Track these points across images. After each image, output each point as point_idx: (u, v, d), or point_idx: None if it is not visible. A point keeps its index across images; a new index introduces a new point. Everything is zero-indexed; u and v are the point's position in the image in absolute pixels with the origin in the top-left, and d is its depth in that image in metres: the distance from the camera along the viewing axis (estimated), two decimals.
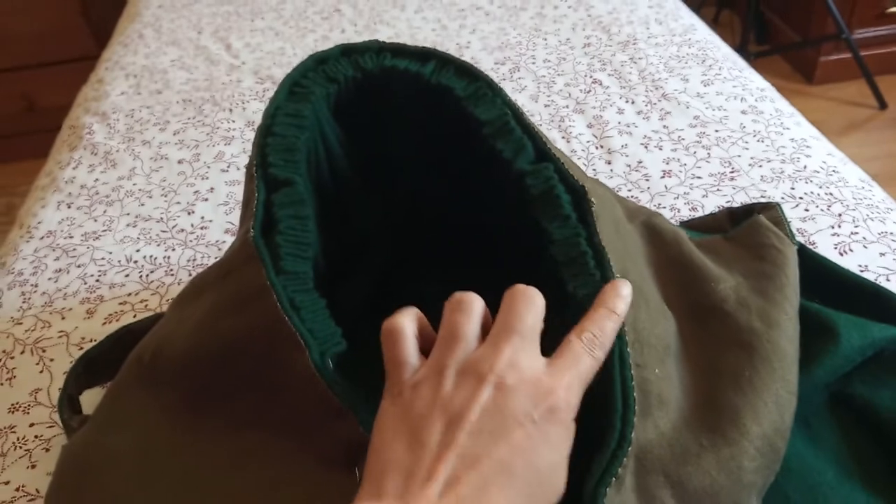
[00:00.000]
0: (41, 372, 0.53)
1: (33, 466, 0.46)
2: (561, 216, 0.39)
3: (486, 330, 0.32)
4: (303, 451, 0.36)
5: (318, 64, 0.43)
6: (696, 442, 0.35)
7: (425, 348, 0.33)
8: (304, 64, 0.43)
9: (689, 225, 0.55)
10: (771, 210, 0.50)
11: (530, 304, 0.32)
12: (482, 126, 0.41)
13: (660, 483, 0.34)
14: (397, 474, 0.27)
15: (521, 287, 0.32)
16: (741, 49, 1.57)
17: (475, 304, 0.32)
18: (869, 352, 0.43)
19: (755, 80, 0.82)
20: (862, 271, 0.54)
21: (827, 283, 0.49)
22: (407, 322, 0.32)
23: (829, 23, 1.58)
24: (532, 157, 0.40)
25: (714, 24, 1.91)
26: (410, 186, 0.49)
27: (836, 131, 1.51)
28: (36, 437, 0.48)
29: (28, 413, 0.50)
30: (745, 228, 0.49)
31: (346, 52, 0.44)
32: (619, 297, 0.34)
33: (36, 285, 0.61)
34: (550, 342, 0.44)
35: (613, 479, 0.33)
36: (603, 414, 0.35)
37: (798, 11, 1.75)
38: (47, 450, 0.47)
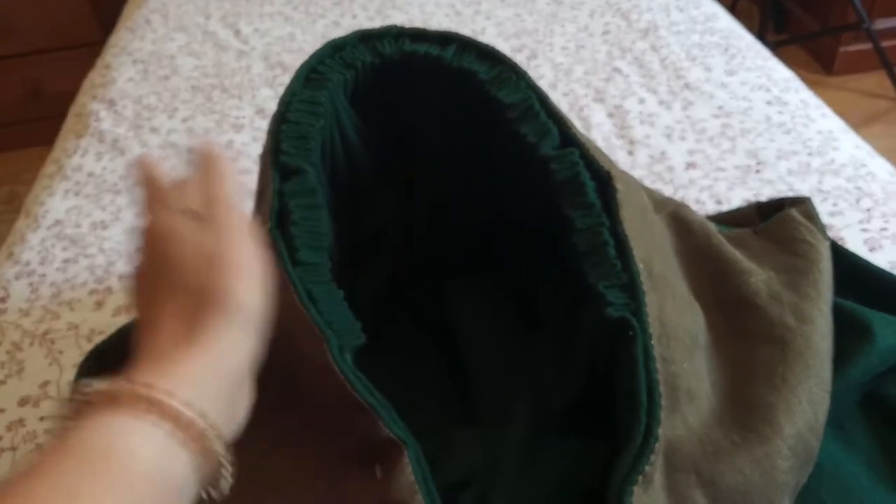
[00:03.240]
0: (51, 364, 0.52)
1: None
2: (585, 204, 0.38)
3: None
4: (321, 448, 0.35)
5: (336, 50, 0.42)
6: (728, 439, 0.34)
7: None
8: (321, 50, 0.42)
9: (716, 219, 0.54)
10: (802, 204, 0.49)
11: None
12: (506, 110, 0.40)
13: (691, 482, 0.33)
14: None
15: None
16: (760, 38, 1.53)
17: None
18: None
19: (779, 71, 0.80)
20: (893, 268, 0.52)
21: (858, 281, 0.47)
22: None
23: (849, 12, 1.54)
24: (557, 141, 0.39)
25: (732, 12, 1.87)
26: (429, 177, 0.48)
27: (854, 123, 1.47)
28: (46, 430, 0.47)
29: (38, 406, 0.49)
30: (776, 222, 0.47)
31: (364, 37, 0.42)
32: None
33: (44, 275, 0.60)
34: (571, 340, 0.42)
35: (641, 476, 0.32)
36: (629, 412, 0.34)
37: (818, 1, 1.72)
38: None
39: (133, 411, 0.23)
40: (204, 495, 0.26)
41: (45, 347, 0.54)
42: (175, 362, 0.26)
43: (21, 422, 0.48)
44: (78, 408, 0.24)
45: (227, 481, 0.26)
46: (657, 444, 0.32)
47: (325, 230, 0.37)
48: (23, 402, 0.50)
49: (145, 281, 0.30)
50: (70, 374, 0.51)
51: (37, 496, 0.20)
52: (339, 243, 0.42)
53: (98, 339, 0.53)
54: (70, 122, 0.82)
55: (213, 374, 0.26)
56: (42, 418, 0.48)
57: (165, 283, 0.28)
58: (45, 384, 0.51)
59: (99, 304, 0.57)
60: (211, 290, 0.27)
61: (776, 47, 1.61)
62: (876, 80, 1.63)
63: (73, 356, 0.52)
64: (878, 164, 0.64)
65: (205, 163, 0.32)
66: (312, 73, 0.41)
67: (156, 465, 0.23)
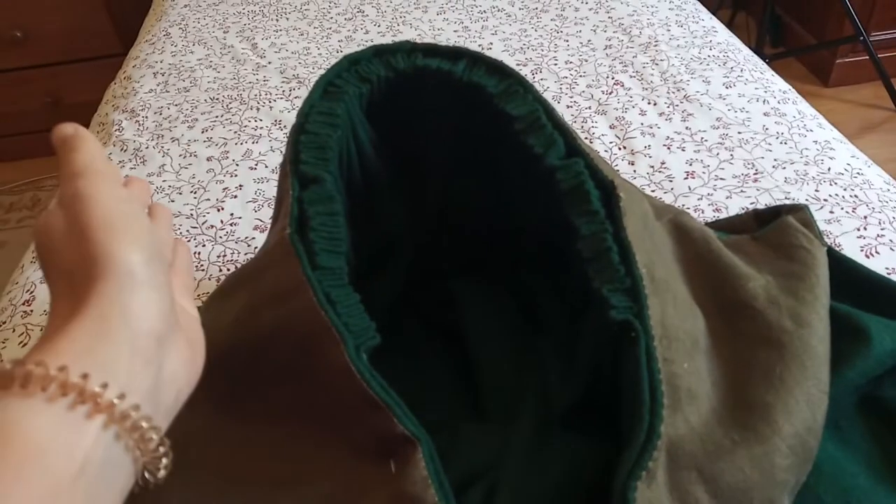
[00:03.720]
0: None
1: None
2: (589, 211, 0.39)
3: None
4: (337, 443, 0.36)
5: (352, 64, 0.44)
6: (728, 438, 0.36)
7: None
8: (338, 64, 0.43)
9: (714, 226, 0.55)
10: (799, 211, 0.50)
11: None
12: (514, 122, 0.41)
13: (693, 479, 0.34)
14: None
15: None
16: (757, 51, 1.56)
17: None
18: None
19: (777, 83, 0.82)
20: (889, 274, 0.54)
21: (855, 286, 0.49)
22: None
23: (845, 25, 1.57)
24: (563, 152, 0.41)
25: (729, 26, 1.90)
26: (439, 186, 0.50)
27: (850, 133, 1.50)
28: None
29: None
30: (774, 229, 0.49)
31: (379, 52, 0.44)
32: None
33: None
34: (576, 342, 0.44)
35: (644, 472, 0.33)
36: (633, 411, 0.36)
37: (815, 13, 1.74)
38: None
39: (27, 392, 0.22)
40: (141, 481, 0.24)
41: None
42: (63, 336, 0.24)
43: None
44: None
45: (164, 460, 0.24)
46: (660, 441, 0.33)
47: (342, 236, 0.39)
48: None
49: (46, 268, 0.28)
50: None
51: None
52: (354, 249, 0.44)
53: None
54: (93, 130, 0.85)
55: (106, 339, 0.24)
56: None
57: (50, 276, 0.27)
58: None
59: None
60: (80, 262, 0.26)
61: (773, 60, 1.64)
62: (872, 90, 1.65)
63: None
64: (874, 173, 0.66)
65: (58, 145, 0.30)
66: (330, 87, 0.43)
67: (55, 437, 0.21)
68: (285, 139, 0.72)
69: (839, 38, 1.62)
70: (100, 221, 0.26)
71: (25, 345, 0.56)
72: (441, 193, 0.50)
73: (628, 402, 0.37)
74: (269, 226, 0.56)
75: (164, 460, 0.25)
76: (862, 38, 1.51)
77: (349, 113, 0.43)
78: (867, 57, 1.55)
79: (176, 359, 0.27)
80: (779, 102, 0.77)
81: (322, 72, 0.43)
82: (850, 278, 0.49)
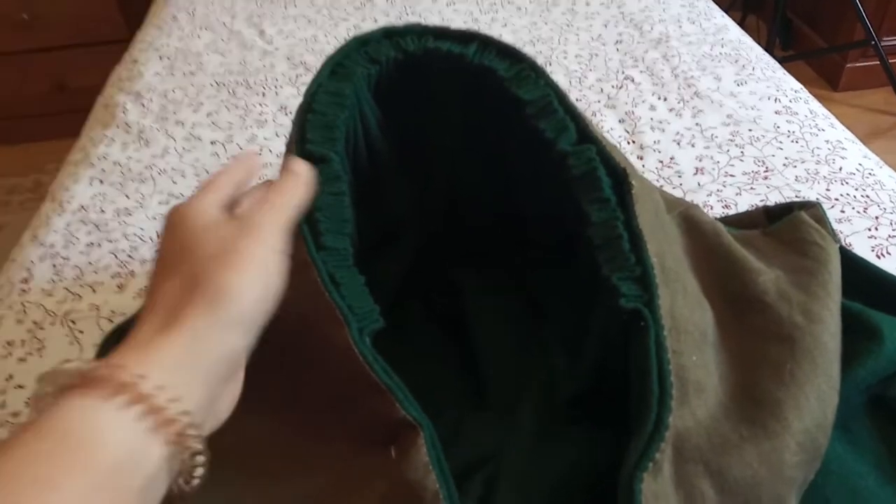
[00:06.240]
0: (71, 344, 0.54)
1: None
2: (600, 199, 0.39)
3: None
4: (338, 429, 0.36)
5: (361, 45, 0.43)
6: (736, 432, 0.35)
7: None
8: (347, 45, 0.43)
9: (724, 221, 0.55)
10: (812, 208, 0.50)
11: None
12: (525, 106, 0.41)
13: (699, 472, 0.34)
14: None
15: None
16: (766, 54, 1.55)
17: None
18: None
19: (789, 82, 0.81)
20: None
21: (867, 285, 0.48)
22: None
23: (856, 29, 1.56)
24: (574, 138, 0.40)
25: (740, 28, 1.89)
26: (446, 171, 0.49)
27: (859, 138, 1.49)
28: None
29: None
30: (786, 224, 0.48)
31: (388, 34, 0.43)
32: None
33: (67, 258, 0.62)
34: (582, 331, 0.43)
35: (651, 463, 0.32)
36: (640, 401, 0.35)
37: (826, 17, 1.73)
38: None
39: (103, 394, 0.23)
40: (175, 489, 0.25)
41: (66, 327, 0.55)
42: (151, 347, 0.25)
43: None
44: (53, 389, 0.24)
45: (200, 472, 0.25)
46: (667, 433, 0.33)
47: (348, 217, 0.38)
48: None
49: (160, 262, 0.29)
50: (90, 353, 0.52)
51: (4, 472, 0.20)
52: (358, 231, 0.43)
53: (119, 320, 0.54)
54: (97, 112, 0.85)
55: (190, 362, 0.25)
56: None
57: (172, 265, 0.28)
58: (65, 363, 0.52)
59: (121, 287, 0.58)
60: (203, 278, 0.26)
61: (783, 63, 1.62)
62: (882, 96, 1.64)
63: (94, 336, 0.54)
64: (886, 174, 0.65)
65: (284, 177, 0.32)
66: (338, 67, 0.42)
67: (123, 448, 0.22)
68: (291, 125, 0.72)
69: (850, 43, 1.61)
70: (247, 259, 0.28)
71: (21, 322, 0.55)
72: (448, 178, 0.49)
73: (636, 392, 0.36)
74: None
75: (200, 470, 0.25)
76: (873, 42, 1.50)
77: (357, 94, 0.42)
78: (877, 62, 1.54)
79: (230, 395, 0.28)
80: (790, 101, 0.77)
81: None
82: (861, 277, 0.48)
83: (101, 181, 0.71)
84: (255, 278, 0.28)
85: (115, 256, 0.61)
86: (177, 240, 0.29)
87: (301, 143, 0.39)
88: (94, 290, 0.58)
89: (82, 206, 0.68)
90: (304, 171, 0.34)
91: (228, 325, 0.26)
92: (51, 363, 0.52)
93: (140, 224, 0.65)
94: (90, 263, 0.61)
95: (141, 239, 0.63)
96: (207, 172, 0.71)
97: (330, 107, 0.41)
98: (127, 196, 0.69)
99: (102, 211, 0.67)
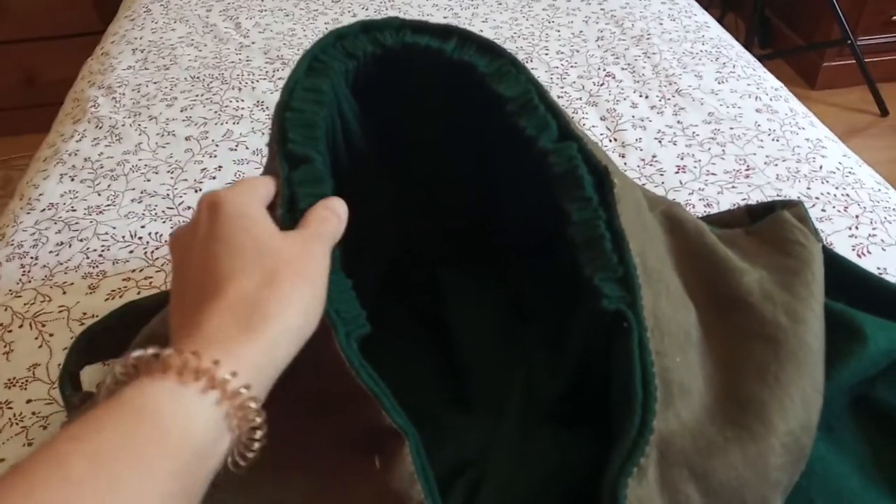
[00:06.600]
0: (40, 347, 0.52)
1: (30, 444, 0.45)
2: (582, 197, 0.38)
3: None
4: (322, 434, 0.35)
5: (338, 39, 0.42)
6: (721, 435, 0.35)
7: None
8: (323, 39, 0.42)
9: (707, 220, 0.54)
10: (794, 207, 0.50)
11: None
12: (505, 103, 0.40)
13: (684, 476, 0.33)
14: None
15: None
16: (746, 52, 1.57)
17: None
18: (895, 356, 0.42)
19: (769, 80, 0.81)
20: (881, 273, 0.53)
21: (849, 284, 0.48)
22: None
23: (833, 28, 1.58)
24: (556, 135, 0.39)
25: (720, 26, 1.91)
26: (425, 168, 0.48)
27: (836, 136, 1.51)
28: (33, 413, 0.47)
29: (25, 389, 0.49)
30: (769, 223, 0.48)
31: (366, 28, 0.42)
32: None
33: (36, 258, 0.60)
34: (565, 332, 0.43)
35: (636, 468, 0.32)
36: (624, 404, 0.34)
37: (803, 17, 1.75)
38: (45, 427, 0.46)
39: (184, 379, 0.23)
40: (230, 464, 0.26)
41: (34, 330, 0.53)
42: (234, 343, 0.25)
43: (7, 403, 0.48)
44: (130, 373, 0.24)
45: (253, 454, 0.26)
46: (652, 437, 0.32)
47: None
48: (10, 383, 0.49)
49: (223, 247, 0.29)
50: (59, 356, 0.50)
51: (102, 452, 0.21)
52: None
53: (90, 322, 0.52)
54: (67, 106, 0.82)
55: (265, 365, 0.26)
56: (29, 401, 0.48)
57: (245, 259, 0.28)
58: (33, 366, 0.50)
59: (92, 288, 0.56)
60: (280, 285, 0.27)
61: (761, 61, 1.64)
62: (858, 94, 1.67)
63: (64, 339, 0.52)
64: (866, 173, 0.66)
65: (326, 214, 0.34)
66: (315, 62, 0.41)
67: (205, 433, 0.23)
68: (268, 120, 0.70)
69: (827, 41, 1.63)
70: (312, 272, 0.29)
71: None
72: (428, 175, 0.48)
73: (618, 395, 0.35)
74: None
75: (257, 444, 0.26)
76: (850, 41, 1.52)
77: (335, 89, 0.41)
78: (854, 61, 1.56)
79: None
80: (771, 99, 0.77)
81: None
82: (844, 276, 0.48)
83: (72, 178, 0.69)
84: (319, 293, 0.29)
85: (87, 256, 0.59)
86: (248, 234, 0.29)
87: (283, 143, 0.38)
88: (64, 292, 0.56)
89: (52, 204, 0.65)
90: (342, 212, 0.35)
91: (295, 334, 0.28)
92: (18, 367, 0.50)
93: (112, 223, 0.63)
94: (60, 263, 0.59)
95: (113, 238, 0.61)
96: (182, 169, 0.69)
97: (308, 104, 0.40)
98: (98, 193, 0.67)
99: (73, 209, 0.65)
